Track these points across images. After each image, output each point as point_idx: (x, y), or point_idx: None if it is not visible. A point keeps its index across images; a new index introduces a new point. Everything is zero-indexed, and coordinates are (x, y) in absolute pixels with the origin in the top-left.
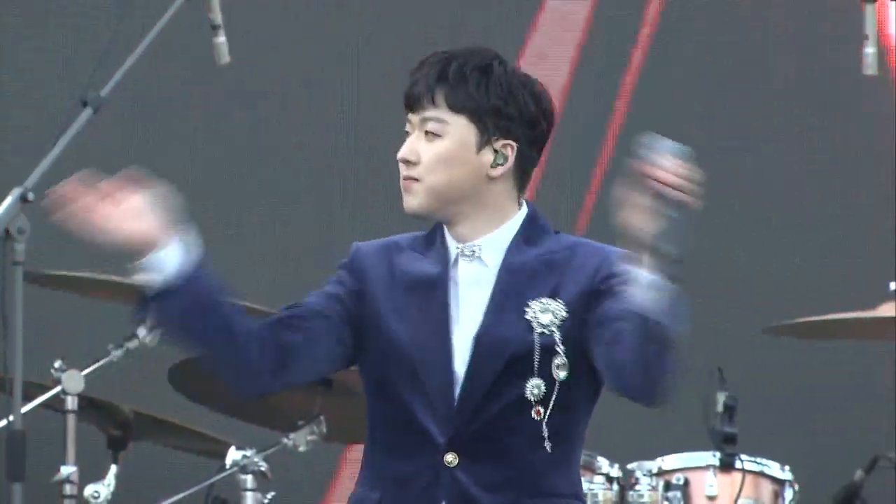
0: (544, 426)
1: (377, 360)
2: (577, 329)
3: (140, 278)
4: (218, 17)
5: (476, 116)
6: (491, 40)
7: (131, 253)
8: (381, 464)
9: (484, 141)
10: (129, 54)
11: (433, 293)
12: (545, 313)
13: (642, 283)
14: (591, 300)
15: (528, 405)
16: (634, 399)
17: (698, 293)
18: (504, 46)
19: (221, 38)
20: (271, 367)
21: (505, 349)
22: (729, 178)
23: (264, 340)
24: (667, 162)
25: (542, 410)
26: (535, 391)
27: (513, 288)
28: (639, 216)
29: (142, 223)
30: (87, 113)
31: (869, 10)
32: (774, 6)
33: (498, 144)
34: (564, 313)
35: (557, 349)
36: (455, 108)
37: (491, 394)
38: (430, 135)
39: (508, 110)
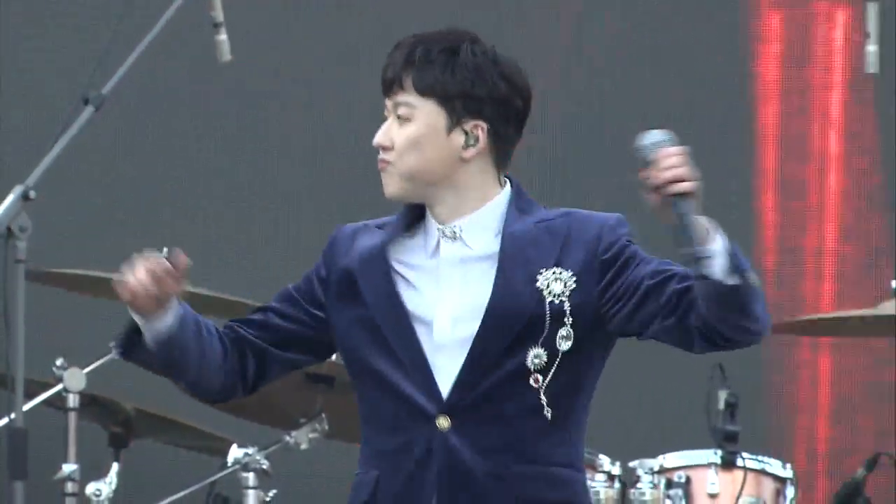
0: (542, 394)
1: (349, 342)
2: (585, 300)
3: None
4: (220, 14)
5: (444, 99)
6: (491, 40)
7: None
8: (375, 440)
9: (453, 123)
10: (129, 54)
11: (376, 267)
12: (557, 282)
13: (709, 259)
14: (598, 271)
15: (527, 373)
16: (731, 347)
17: None
18: (504, 46)
19: (223, 36)
20: (231, 382)
21: (519, 317)
22: (730, 177)
23: (227, 358)
24: (662, 160)
25: (539, 378)
26: (536, 360)
27: (519, 255)
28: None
29: (158, 298)
30: (88, 111)
31: (870, 8)
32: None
33: (468, 126)
34: (573, 284)
35: (565, 320)
36: (422, 91)
37: (498, 361)
38: (402, 119)
39: (476, 92)
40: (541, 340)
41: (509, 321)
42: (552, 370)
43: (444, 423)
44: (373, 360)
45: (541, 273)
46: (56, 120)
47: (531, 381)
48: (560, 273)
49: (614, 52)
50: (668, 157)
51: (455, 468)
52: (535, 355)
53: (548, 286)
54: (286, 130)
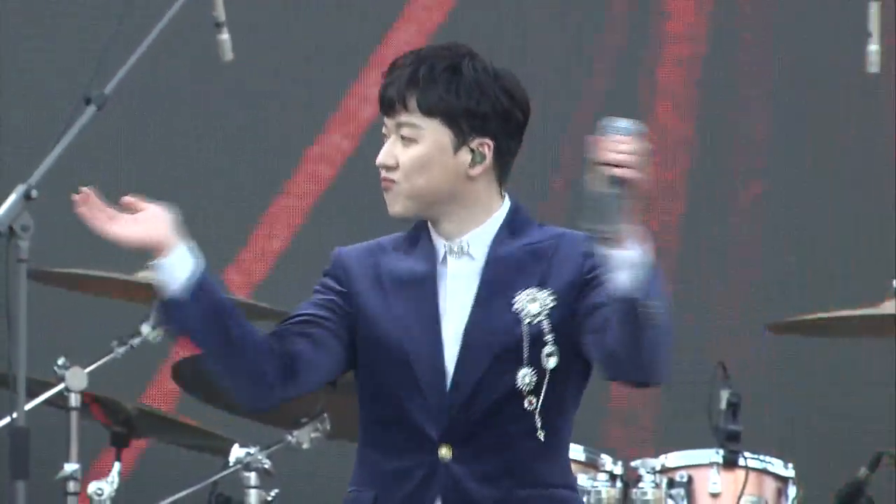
0: (537, 416)
1: (369, 359)
2: (566, 318)
3: (153, 280)
4: (221, 14)
5: (449, 119)
6: (490, 40)
7: (143, 253)
8: (375, 462)
9: (460, 142)
10: (130, 54)
11: (422, 290)
12: (533, 303)
13: (619, 264)
14: (580, 290)
15: (520, 396)
16: (629, 383)
17: (702, 291)
18: (504, 46)
19: (225, 36)
20: (281, 380)
21: (493, 341)
22: (732, 175)
23: (273, 353)
24: (612, 141)
25: (533, 401)
26: (526, 380)
27: (500, 279)
28: None
29: (148, 227)
30: (90, 110)
31: (873, 7)
32: (779, 3)
33: (474, 144)
34: (552, 302)
35: (546, 339)
36: (427, 112)
37: (482, 386)
38: (406, 140)
39: (481, 109)
40: (526, 360)
41: (485, 344)
42: (543, 390)
43: (445, 453)
44: (391, 382)
45: (517, 295)
46: (57, 120)
47: (525, 405)
48: (535, 293)
49: (614, 51)
50: (621, 143)
51: (460, 498)
52: (524, 375)
53: (524, 308)
54: (286, 130)
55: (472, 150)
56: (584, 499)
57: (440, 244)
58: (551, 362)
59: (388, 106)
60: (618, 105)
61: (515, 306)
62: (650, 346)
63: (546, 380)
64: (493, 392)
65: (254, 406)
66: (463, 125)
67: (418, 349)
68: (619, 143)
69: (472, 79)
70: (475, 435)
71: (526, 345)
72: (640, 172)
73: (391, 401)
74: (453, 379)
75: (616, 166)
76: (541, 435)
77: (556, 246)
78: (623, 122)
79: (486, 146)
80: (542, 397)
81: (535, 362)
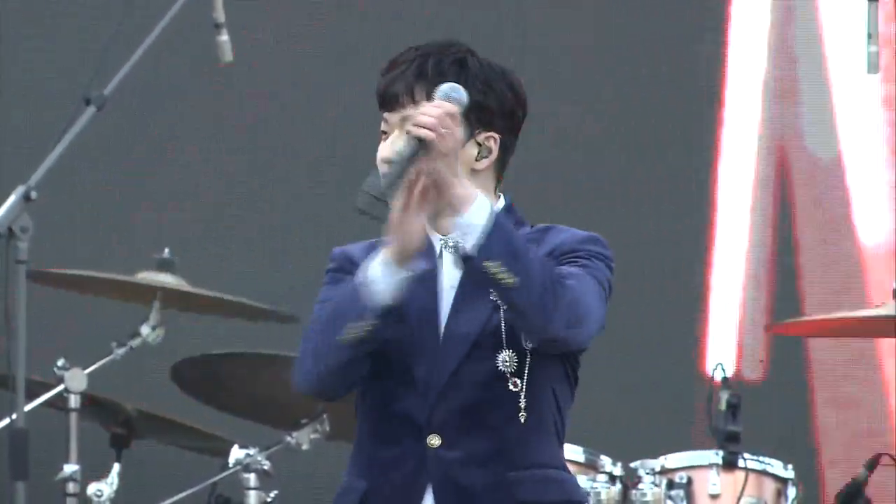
0: (522, 398)
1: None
2: None
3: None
4: (221, 15)
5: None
6: (491, 40)
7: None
8: (368, 451)
9: (467, 136)
10: (130, 54)
11: (422, 285)
12: None
13: (461, 230)
14: None
15: (503, 378)
16: (536, 340)
17: (702, 290)
18: (505, 46)
19: (224, 37)
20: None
21: (472, 329)
22: (732, 175)
23: None
24: (430, 103)
25: (518, 382)
26: (507, 363)
27: None
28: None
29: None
30: (90, 111)
31: (871, 8)
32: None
33: (481, 138)
34: None
35: None
36: None
37: (462, 373)
38: None
39: (488, 103)
40: (505, 344)
41: (464, 334)
42: (526, 371)
43: (434, 441)
44: (388, 371)
45: None
46: (57, 120)
47: (510, 386)
48: None
49: (614, 51)
50: (431, 106)
51: (452, 485)
52: (505, 357)
53: None
54: (286, 130)
55: (479, 144)
56: None
57: (436, 239)
58: (530, 343)
59: (394, 100)
60: (618, 105)
61: (492, 295)
62: (518, 307)
63: (528, 361)
64: (475, 377)
65: (331, 397)
66: (471, 118)
67: (417, 341)
68: (429, 106)
69: (479, 73)
70: (462, 421)
71: (504, 329)
72: (436, 134)
73: (384, 390)
74: (436, 367)
75: (416, 124)
76: (527, 417)
77: (541, 238)
78: (445, 86)
79: (493, 140)
80: (525, 378)
81: (515, 345)
